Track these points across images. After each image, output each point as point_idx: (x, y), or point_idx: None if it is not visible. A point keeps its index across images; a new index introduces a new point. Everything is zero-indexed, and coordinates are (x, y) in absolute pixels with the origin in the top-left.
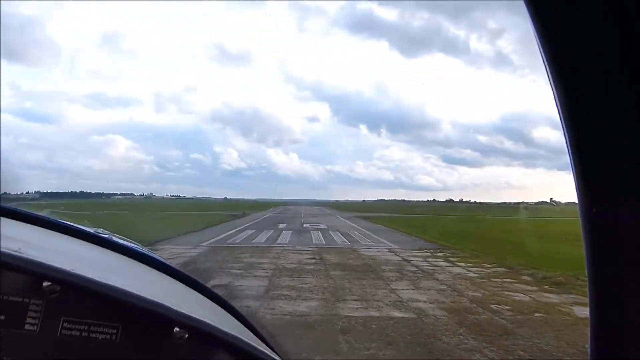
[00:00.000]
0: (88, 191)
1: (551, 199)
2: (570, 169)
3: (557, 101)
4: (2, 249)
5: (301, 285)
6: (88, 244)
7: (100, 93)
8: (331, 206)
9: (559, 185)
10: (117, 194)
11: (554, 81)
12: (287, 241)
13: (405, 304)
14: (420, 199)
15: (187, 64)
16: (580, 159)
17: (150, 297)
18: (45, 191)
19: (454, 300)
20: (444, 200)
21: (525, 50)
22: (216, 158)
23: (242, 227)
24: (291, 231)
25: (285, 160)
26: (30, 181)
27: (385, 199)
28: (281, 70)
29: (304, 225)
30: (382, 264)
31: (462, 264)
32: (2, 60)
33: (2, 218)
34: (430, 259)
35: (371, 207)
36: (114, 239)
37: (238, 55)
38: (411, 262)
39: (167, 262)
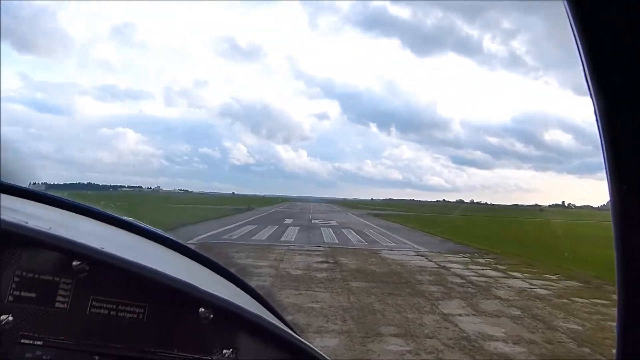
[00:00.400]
0: (95, 183)
1: (564, 202)
2: (604, 168)
3: (594, 100)
4: (33, 227)
5: (310, 305)
6: (115, 227)
7: (111, 85)
8: (339, 204)
9: (570, 188)
10: (124, 187)
11: (591, 79)
12: (293, 239)
13: (476, 345)
14: (430, 199)
15: (198, 58)
16: (615, 159)
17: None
18: (51, 183)
19: (547, 337)
20: (454, 200)
21: (539, 51)
22: (225, 153)
23: (243, 222)
24: (298, 227)
25: (293, 157)
26: (39, 172)
27: (394, 198)
28: (292, 66)
29: (313, 222)
30: (415, 272)
31: (518, 275)
32: (13, 50)
33: (31, 201)
34: (473, 267)
35: (381, 205)
36: (139, 223)
37: (249, 50)
38: (451, 270)
39: (190, 247)
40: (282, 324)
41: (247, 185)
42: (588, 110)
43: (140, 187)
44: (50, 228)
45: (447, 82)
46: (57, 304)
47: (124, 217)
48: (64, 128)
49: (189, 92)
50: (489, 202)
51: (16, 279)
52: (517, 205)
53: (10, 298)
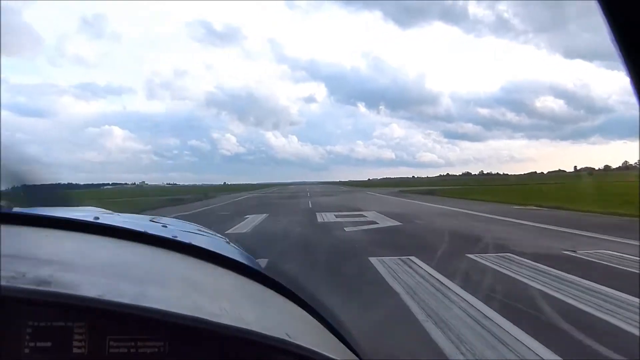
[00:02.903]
0: (76, 182)
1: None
2: None
3: (633, 82)
4: (33, 288)
5: None
6: (134, 244)
7: (89, 83)
8: (338, 184)
9: (563, 155)
10: (108, 184)
11: (634, 82)
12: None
13: None
14: (430, 175)
15: (174, 46)
16: None
17: (198, 303)
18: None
19: None
20: (460, 173)
21: (527, 13)
22: (214, 144)
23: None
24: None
25: (284, 143)
26: (29, 177)
27: (391, 177)
28: (273, 50)
29: (320, 219)
30: None
31: None
32: None
33: (38, 229)
34: None
35: (387, 184)
36: (165, 233)
37: (226, 33)
38: None
39: (231, 256)
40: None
41: (240, 174)
42: (578, 74)
43: (125, 183)
44: (52, 275)
45: (434, 54)
46: (74, 350)
47: (155, 220)
48: (49, 130)
49: (170, 84)
50: (501, 173)
51: (29, 330)
52: (534, 172)
53: (27, 350)
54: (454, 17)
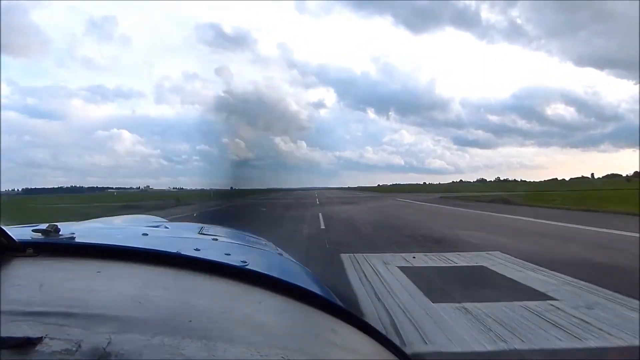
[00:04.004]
0: (79, 185)
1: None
2: None
3: None
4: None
5: None
6: (193, 275)
7: (98, 85)
8: (349, 190)
9: (575, 163)
10: (111, 188)
11: None
12: None
13: None
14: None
15: (184, 50)
16: None
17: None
18: (32, 187)
19: None
20: (474, 180)
21: (540, 18)
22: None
23: None
24: None
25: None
26: (36, 179)
27: (401, 183)
28: (283, 55)
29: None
30: None
31: None
32: None
33: (81, 260)
34: None
35: (397, 189)
36: (217, 248)
37: (235, 37)
38: None
39: (299, 282)
40: None
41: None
42: (589, 81)
43: (131, 187)
44: (110, 352)
45: (446, 60)
46: None
47: (205, 231)
48: (59, 133)
49: (180, 88)
50: (518, 179)
51: None
52: (556, 179)
53: None
54: (466, 22)
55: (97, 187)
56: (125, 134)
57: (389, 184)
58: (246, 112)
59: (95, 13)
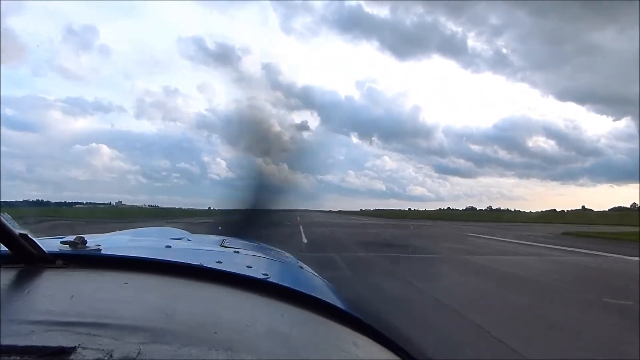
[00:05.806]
0: (47, 200)
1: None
2: None
3: None
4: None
5: None
6: (217, 288)
7: (76, 97)
8: (332, 213)
9: (554, 196)
10: (82, 203)
11: None
12: None
13: None
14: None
15: (165, 63)
16: None
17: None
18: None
19: None
20: (463, 208)
21: (526, 49)
22: (204, 168)
23: None
24: None
25: (274, 170)
26: (12, 192)
27: (384, 208)
28: (267, 75)
29: None
30: None
31: None
32: None
33: (111, 272)
34: None
35: (381, 214)
36: (239, 260)
37: (219, 53)
38: None
39: (325, 297)
40: None
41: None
42: (570, 115)
43: (103, 203)
44: (140, 351)
45: (430, 87)
46: None
47: (225, 244)
48: (37, 145)
49: (161, 104)
50: (511, 209)
51: None
52: (554, 210)
53: None
54: (452, 49)
55: (65, 202)
56: (104, 148)
57: (371, 208)
58: (228, 131)
59: (74, 19)
